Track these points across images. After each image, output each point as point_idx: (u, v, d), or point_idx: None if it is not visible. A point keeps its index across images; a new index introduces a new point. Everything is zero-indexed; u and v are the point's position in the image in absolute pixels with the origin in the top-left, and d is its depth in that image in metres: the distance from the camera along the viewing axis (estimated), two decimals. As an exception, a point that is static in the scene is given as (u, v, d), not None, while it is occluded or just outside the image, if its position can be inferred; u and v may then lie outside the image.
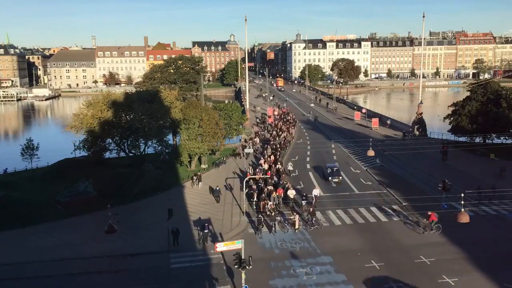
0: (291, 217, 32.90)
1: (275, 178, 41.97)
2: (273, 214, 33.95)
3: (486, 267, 25.85)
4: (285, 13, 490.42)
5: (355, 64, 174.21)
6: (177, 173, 47.05)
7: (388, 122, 79.31)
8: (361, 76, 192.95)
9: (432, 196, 36.49)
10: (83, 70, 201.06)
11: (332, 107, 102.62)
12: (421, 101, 71.53)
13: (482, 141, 56.66)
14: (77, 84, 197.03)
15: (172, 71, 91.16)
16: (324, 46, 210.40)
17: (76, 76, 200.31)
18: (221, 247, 24.07)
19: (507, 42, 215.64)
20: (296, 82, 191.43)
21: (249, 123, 75.84)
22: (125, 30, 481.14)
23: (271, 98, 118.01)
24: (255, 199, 36.96)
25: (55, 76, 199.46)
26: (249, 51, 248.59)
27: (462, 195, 29.82)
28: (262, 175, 41.72)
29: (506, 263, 26.12)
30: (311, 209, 32.95)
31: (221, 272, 25.93)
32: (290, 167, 47.71)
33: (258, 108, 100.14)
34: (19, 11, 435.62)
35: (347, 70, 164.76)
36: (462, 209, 29.42)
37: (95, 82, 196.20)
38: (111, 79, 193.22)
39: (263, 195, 36.80)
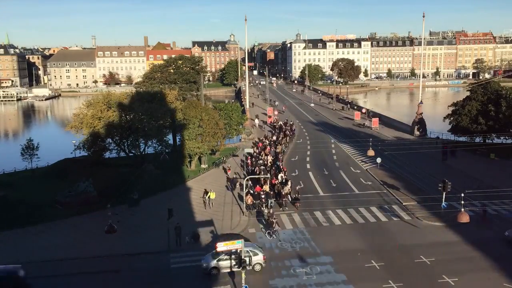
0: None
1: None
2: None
3: (486, 267, 25.89)
4: (285, 13, 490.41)
5: (355, 64, 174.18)
6: (177, 173, 47.03)
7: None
8: (361, 76, 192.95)
9: (432, 196, 36.49)
10: (83, 70, 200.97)
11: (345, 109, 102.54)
12: (421, 101, 71.56)
13: (482, 141, 56.64)
14: (77, 84, 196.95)
15: (172, 71, 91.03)
16: (324, 46, 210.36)
17: (76, 76, 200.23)
18: (221, 247, 24.09)
19: (507, 42, 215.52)
20: (296, 82, 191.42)
21: (249, 123, 75.78)
22: (125, 30, 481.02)
23: (270, 98, 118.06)
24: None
25: (55, 76, 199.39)
26: (249, 51, 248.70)
27: (462, 195, 29.84)
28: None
29: (506, 263, 26.10)
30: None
31: (221, 272, 25.91)
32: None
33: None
34: (19, 11, 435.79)
35: (347, 70, 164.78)
36: (462, 209, 29.46)
37: (95, 82, 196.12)
38: (111, 79, 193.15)
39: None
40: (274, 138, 62.39)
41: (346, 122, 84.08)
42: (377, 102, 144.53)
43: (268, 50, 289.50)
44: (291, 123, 75.13)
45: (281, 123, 75.27)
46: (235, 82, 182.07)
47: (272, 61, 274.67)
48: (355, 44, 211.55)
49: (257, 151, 53.48)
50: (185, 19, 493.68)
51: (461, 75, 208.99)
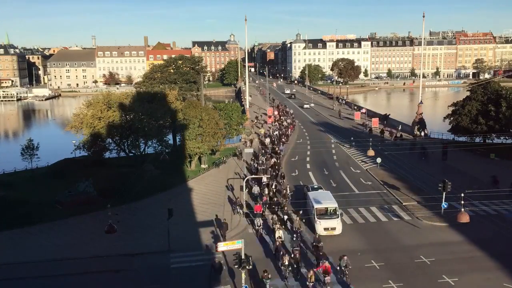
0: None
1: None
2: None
3: (486, 267, 25.88)
4: (285, 13, 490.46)
5: (355, 64, 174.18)
6: (177, 173, 47.03)
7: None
8: (361, 76, 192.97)
9: (432, 196, 36.47)
10: (83, 70, 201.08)
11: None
12: (421, 101, 71.49)
13: (482, 141, 56.61)
14: (77, 84, 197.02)
15: (172, 71, 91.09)
16: (324, 46, 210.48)
17: (76, 76, 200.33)
18: (221, 247, 24.06)
19: (507, 42, 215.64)
20: (296, 82, 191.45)
21: (249, 123, 75.72)
22: (125, 30, 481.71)
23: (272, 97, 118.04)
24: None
25: (55, 76, 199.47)
26: (249, 51, 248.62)
27: (462, 195, 29.81)
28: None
29: (506, 262, 26.10)
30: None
31: (222, 272, 25.89)
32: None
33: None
34: (19, 11, 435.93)
35: (347, 70, 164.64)
36: (462, 209, 29.44)
37: (95, 82, 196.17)
38: (111, 79, 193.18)
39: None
40: (275, 134, 62.34)
41: (346, 122, 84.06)
42: (377, 102, 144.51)
43: (268, 50, 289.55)
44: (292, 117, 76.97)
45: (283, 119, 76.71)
46: (235, 82, 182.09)
47: (272, 61, 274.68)
48: (355, 44, 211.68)
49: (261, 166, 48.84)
50: (185, 19, 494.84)
51: (461, 75, 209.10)
